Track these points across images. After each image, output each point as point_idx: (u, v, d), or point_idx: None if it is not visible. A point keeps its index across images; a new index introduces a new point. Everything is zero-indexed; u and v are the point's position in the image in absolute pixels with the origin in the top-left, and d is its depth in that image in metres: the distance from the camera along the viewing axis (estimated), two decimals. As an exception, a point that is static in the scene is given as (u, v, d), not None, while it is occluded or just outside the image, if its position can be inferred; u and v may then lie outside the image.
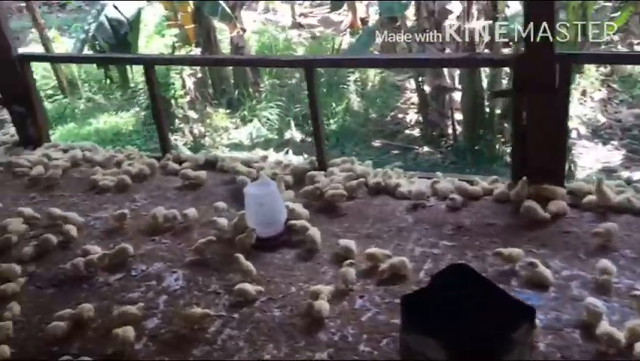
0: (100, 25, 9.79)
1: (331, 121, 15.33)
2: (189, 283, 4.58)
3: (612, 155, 10.35)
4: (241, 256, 4.51)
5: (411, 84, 14.39)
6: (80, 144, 7.43)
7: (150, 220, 5.39)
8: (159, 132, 6.84)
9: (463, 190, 5.21)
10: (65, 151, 7.22)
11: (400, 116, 13.66)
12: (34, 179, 6.56)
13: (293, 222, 4.90)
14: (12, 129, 7.85)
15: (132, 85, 16.07)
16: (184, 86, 15.93)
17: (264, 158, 6.37)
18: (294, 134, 15.01)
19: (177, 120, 15.70)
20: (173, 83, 15.44)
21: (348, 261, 4.37)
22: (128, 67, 10.38)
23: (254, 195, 4.84)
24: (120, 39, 9.86)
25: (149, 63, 6.68)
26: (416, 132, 14.17)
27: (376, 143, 14.43)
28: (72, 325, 4.19)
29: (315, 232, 4.84)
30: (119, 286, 4.65)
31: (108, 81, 13.71)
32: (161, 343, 4.00)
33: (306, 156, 6.67)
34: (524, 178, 4.94)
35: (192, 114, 16.14)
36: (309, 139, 15.27)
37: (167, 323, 4.18)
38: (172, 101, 15.49)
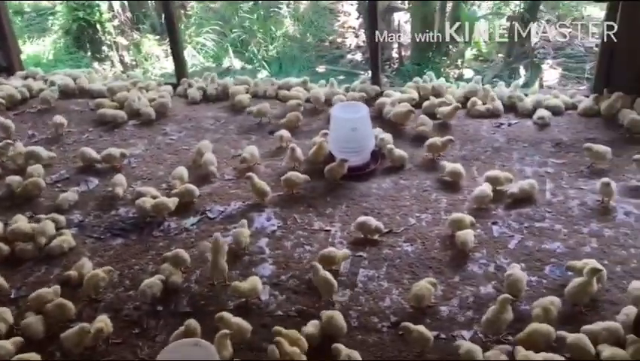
0: None
1: (271, 47, 14.50)
2: (286, 222, 4.01)
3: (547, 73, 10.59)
4: None
5: (344, 7, 13.84)
6: (68, 72, 6.28)
7: (196, 157, 4.65)
8: (174, 55, 5.90)
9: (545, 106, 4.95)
10: (46, 81, 6.08)
11: (340, 40, 13.19)
12: (23, 114, 5.49)
13: (390, 146, 4.40)
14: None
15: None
16: (111, 9, 14.28)
17: (304, 82, 5.68)
18: (234, 61, 14.07)
19: (104, 47, 14.14)
20: (98, 5, 13.78)
21: (486, 183, 4.00)
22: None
23: (346, 120, 4.27)
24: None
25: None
26: (359, 57, 13.82)
27: (321, 69, 13.91)
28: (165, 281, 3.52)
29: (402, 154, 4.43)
30: (200, 230, 3.99)
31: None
32: (290, 291, 3.47)
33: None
34: (619, 93, 4.75)
35: (121, 41, 14.58)
36: (249, 67, 14.43)
37: (283, 268, 3.63)
38: (98, 26, 13.87)
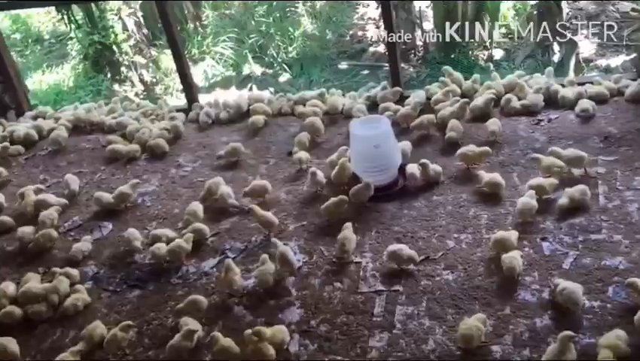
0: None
1: (290, 48, 14.18)
2: (311, 257, 3.67)
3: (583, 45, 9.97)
4: None
5: (363, -4, 13.35)
6: (78, 106, 6.06)
7: (206, 196, 4.30)
8: (182, 79, 5.62)
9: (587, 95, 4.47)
10: (57, 120, 5.85)
11: (360, 33, 12.76)
12: (34, 157, 5.30)
13: (424, 161, 4.00)
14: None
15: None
16: (125, 29, 14.17)
17: (322, 95, 5.30)
18: (254, 68, 13.80)
19: (123, 68, 14.04)
20: (112, 27, 13.69)
21: (530, 192, 3.56)
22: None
23: (367, 137, 3.90)
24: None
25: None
26: (381, 48, 13.44)
27: (343, 65, 13.55)
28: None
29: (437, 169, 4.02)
30: (221, 273, 3.67)
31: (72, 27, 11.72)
32: (322, 339, 3.12)
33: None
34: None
35: (139, 59, 14.47)
36: (270, 71, 14.14)
37: (314, 311, 3.29)
38: (115, 48, 13.77)
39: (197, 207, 4.10)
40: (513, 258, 3.15)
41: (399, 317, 3.14)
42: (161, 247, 3.77)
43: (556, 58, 9.25)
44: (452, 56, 10.89)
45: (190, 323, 3.21)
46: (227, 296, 3.48)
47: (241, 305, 3.42)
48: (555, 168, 3.73)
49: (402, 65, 11.85)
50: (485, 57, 11.30)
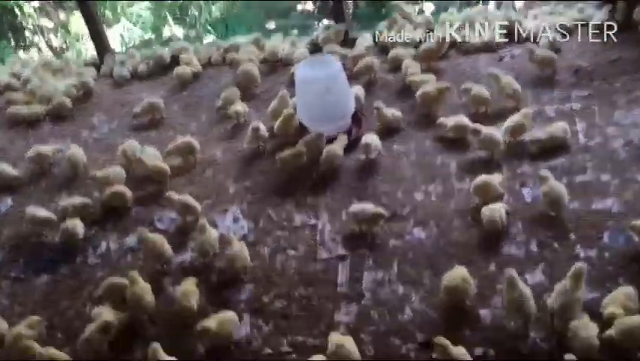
0: None
1: (213, 8, 13.35)
2: (258, 222, 3.11)
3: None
4: None
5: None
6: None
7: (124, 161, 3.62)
8: (90, 29, 4.81)
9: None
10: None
11: (287, -10, 12.16)
12: None
13: (378, 104, 3.49)
14: None
15: None
16: (27, -12, 12.82)
17: (257, 41, 4.67)
18: (174, 30, 12.94)
19: (28, 33, 12.76)
20: (12, -14, 12.34)
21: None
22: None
23: (315, 80, 3.32)
24: None
25: None
26: (309, 6, 12.90)
27: (271, 25, 12.96)
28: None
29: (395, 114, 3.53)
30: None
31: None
32: (278, 317, 2.60)
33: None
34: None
35: (46, 23, 13.20)
36: (193, 33, 13.25)
37: (265, 286, 2.75)
38: (17, 10, 12.44)
39: (116, 171, 3.43)
40: (494, 210, 2.72)
41: (367, 284, 2.66)
42: (75, 224, 3.10)
43: (491, 5, 8.99)
44: (383, 10, 10.52)
45: (104, 314, 2.59)
46: (159, 275, 2.88)
47: (177, 285, 2.81)
48: (483, 98, 3.45)
49: (332, 21, 11.40)
50: (415, 11, 10.92)
